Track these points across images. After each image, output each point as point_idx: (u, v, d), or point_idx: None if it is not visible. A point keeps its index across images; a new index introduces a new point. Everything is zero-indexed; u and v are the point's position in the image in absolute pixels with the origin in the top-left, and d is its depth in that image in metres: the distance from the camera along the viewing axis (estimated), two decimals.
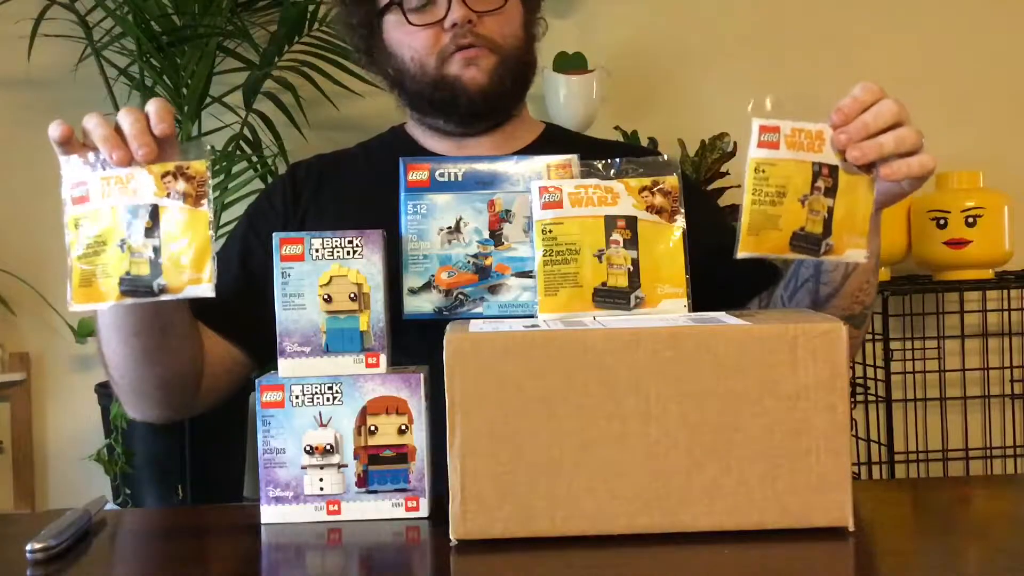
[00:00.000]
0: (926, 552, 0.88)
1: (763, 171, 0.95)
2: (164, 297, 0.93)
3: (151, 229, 0.93)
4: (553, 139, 1.36)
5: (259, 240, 1.26)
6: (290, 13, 2.26)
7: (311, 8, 2.28)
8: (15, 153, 2.43)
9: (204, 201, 0.93)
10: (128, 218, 0.93)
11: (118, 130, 0.96)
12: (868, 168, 0.97)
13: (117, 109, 2.33)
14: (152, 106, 0.97)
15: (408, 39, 1.27)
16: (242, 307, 1.18)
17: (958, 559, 0.85)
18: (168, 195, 0.93)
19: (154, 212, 0.93)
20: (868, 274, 1.12)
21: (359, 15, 1.32)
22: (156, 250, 0.92)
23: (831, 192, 0.96)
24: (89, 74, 2.26)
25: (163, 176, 0.93)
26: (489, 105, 1.27)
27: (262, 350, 1.21)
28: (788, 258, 0.98)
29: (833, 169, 0.96)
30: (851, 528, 0.83)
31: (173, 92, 2.23)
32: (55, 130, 0.98)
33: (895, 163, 0.97)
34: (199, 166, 0.93)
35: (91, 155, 0.95)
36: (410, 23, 1.26)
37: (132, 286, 0.93)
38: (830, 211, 0.96)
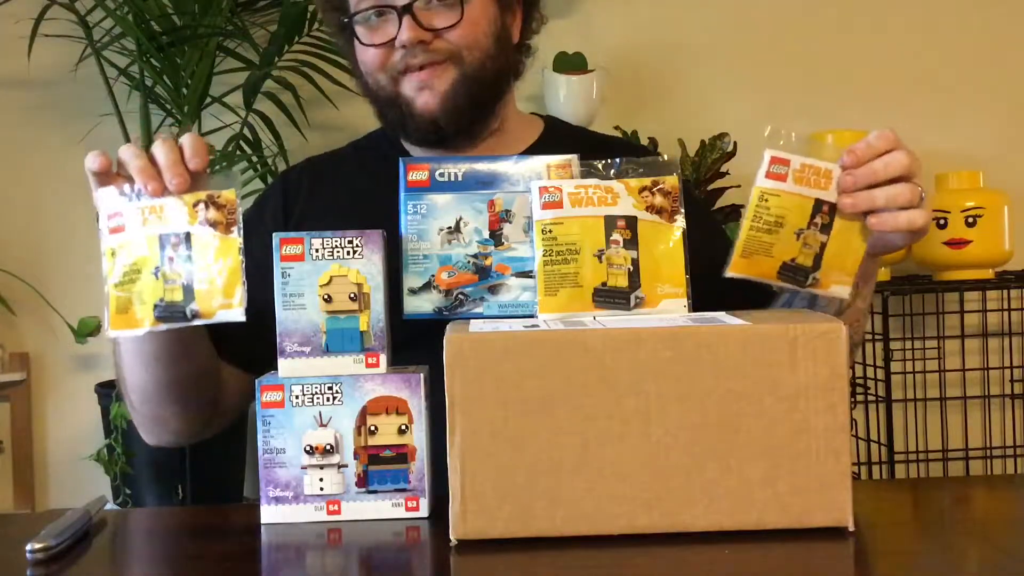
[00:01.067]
0: (926, 552, 0.88)
1: (766, 200, 0.99)
2: (196, 322, 0.96)
3: (184, 257, 0.96)
4: (555, 135, 1.33)
5: (251, 259, 1.23)
6: (290, 13, 2.26)
7: (311, 8, 2.28)
8: (15, 153, 2.43)
9: (234, 228, 0.96)
10: (161, 246, 0.96)
11: (152, 160, 0.98)
12: (863, 215, 1.00)
13: (117, 109, 2.35)
14: (187, 140, 0.99)
15: (363, 55, 1.24)
16: (238, 329, 1.16)
17: (958, 559, 0.85)
18: (199, 223, 0.96)
19: (187, 239, 0.96)
20: (858, 314, 1.14)
21: (334, 24, 1.30)
22: (189, 277, 0.96)
23: (827, 229, 1.00)
24: (89, 74, 2.26)
25: (195, 205, 0.96)
26: (447, 130, 1.23)
27: (263, 367, 1.19)
28: (774, 285, 1.01)
29: (833, 208, 1.00)
30: (851, 528, 0.83)
31: (173, 92, 2.23)
32: (93, 162, 1.01)
33: (884, 215, 0.99)
34: (229, 195, 0.96)
35: (126, 186, 0.99)
36: (360, 41, 1.22)
37: (167, 312, 0.96)
38: (823, 247, 1.00)
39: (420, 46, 1.20)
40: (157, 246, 0.96)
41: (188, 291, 0.96)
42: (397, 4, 1.19)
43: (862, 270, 1.04)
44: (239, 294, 0.95)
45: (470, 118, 1.24)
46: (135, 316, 0.97)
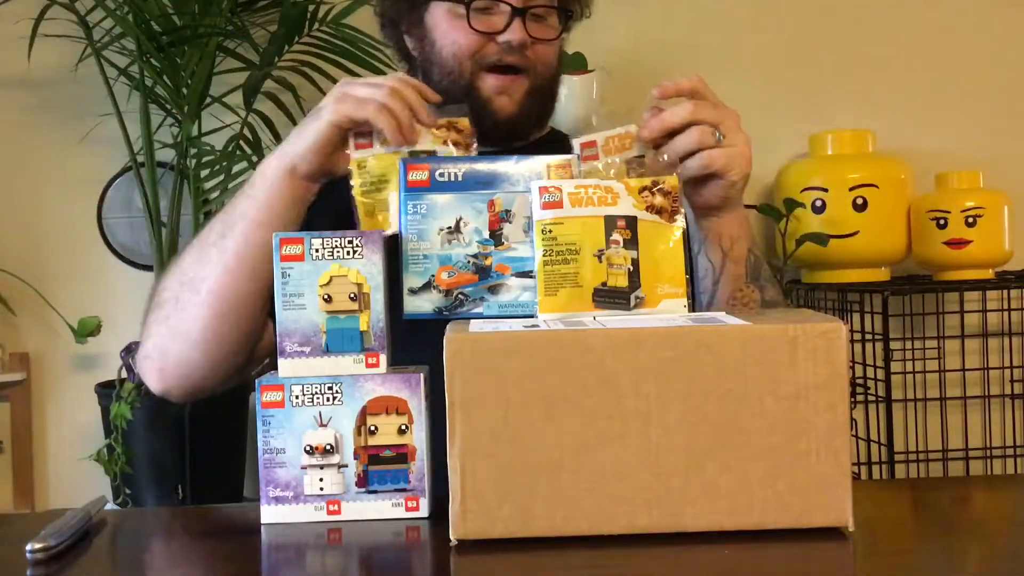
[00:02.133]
0: (926, 552, 0.88)
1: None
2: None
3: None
4: (555, 140, 1.36)
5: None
6: (290, 13, 2.26)
7: (311, 8, 2.28)
8: (15, 153, 2.43)
9: (473, 147, 1.11)
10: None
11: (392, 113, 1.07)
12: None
13: (117, 109, 2.34)
14: (414, 99, 1.09)
15: (456, 35, 1.27)
16: None
17: (958, 559, 0.85)
18: (444, 142, 1.10)
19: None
20: (739, 277, 1.17)
21: None
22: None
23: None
24: (89, 74, 2.26)
25: (438, 129, 1.10)
26: (511, 134, 1.29)
27: None
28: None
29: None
30: (851, 528, 0.83)
31: (173, 92, 2.23)
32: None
33: (684, 164, 1.06)
34: (464, 122, 1.11)
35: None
36: (470, 24, 1.25)
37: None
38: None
39: (520, 48, 1.26)
40: (398, 163, 1.05)
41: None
42: (515, 2, 1.24)
43: (708, 228, 1.07)
44: None
45: (531, 125, 1.32)
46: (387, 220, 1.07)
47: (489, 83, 1.27)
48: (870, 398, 2.30)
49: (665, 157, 1.06)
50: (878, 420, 2.29)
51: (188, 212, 2.26)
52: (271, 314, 1.17)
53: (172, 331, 1.18)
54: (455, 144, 1.09)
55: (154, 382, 1.21)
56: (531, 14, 1.27)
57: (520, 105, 1.28)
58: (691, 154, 1.07)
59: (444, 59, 1.28)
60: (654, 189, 0.99)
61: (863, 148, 2.39)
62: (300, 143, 1.11)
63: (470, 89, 1.27)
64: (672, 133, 1.07)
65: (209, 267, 1.16)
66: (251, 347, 1.20)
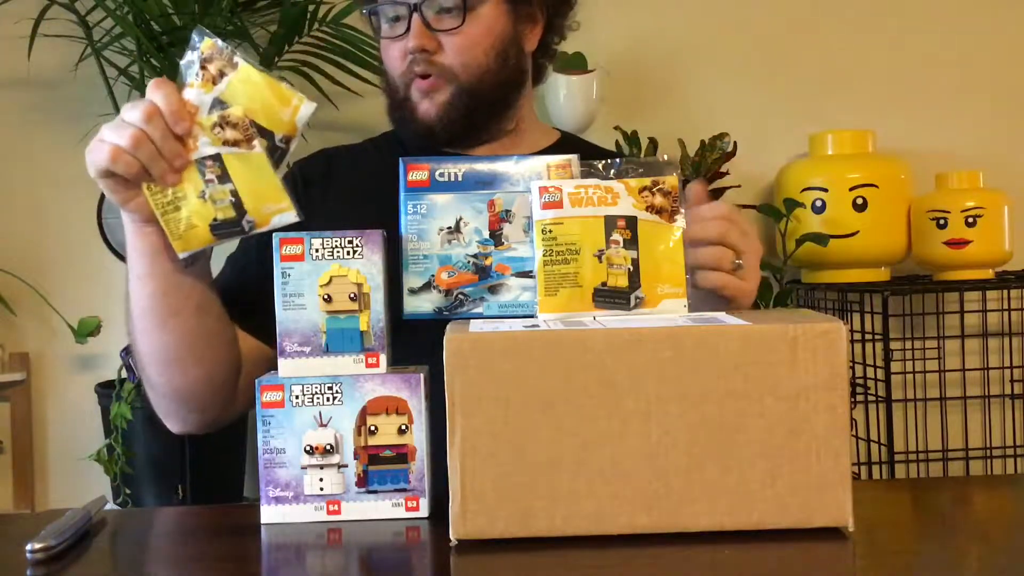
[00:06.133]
0: (926, 552, 0.88)
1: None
2: (256, 231, 1.00)
3: (222, 176, 0.99)
4: (569, 148, 1.34)
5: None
6: (290, 13, 2.26)
7: (311, 8, 2.28)
8: (15, 153, 2.43)
9: (255, 142, 0.99)
10: (200, 171, 1.00)
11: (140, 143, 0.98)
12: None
13: (117, 109, 2.32)
14: (165, 107, 0.98)
15: (385, 51, 1.29)
16: (261, 299, 1.16)
17: (958, 559, 0.85)
18: (223, 144, 0.99)
19: (218, 160, 0.99)
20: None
21: (363, 7, 1.32)
22: (234, 193, 0.99)
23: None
24: (89, 74, 2.26)
25: (212, 129, 0.99)
26: (440, 138, 1.27)
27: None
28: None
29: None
30: (851, 528, 0.83)
31: None
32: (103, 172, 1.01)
33: (698, 273, 1.04)
34: (236, 112, 0.99)
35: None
36: (382, 36, 1.26)
37: (224, 229, 1.00)
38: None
39: (423, 55, 1.24)
40: (195, 171, 0.99)
41: (238, 206, 0.99)
42: (410, 0, 1.22)
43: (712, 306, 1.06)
44: (288, 198, 0.99)
45: (465, 129, 1.28)
46: (197, 236, 1.00)
47: (414, 90, 1.26)
48: (870, 398, 2.30)
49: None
50: (878, 420, 2.29)
51: None
52: (261, 335, 1.18)
53: (147, 386, 1.18)
54: (235, 144, 0.99)
55: (170, 427, 1.21)
56: (439, 7, 1.23)
57: (443, 107, 1.25)
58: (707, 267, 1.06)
59: (387, 77, 1.29)
60: (654, 189, 0.99)
61: (863, 148, 2.39)
62: (109, 197, 1.06)
63: (404, 100, 1.27)
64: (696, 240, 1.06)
65: (133, 328, 1.14)
66: (224, 382, 1.17)
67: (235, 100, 0.99)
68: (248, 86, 0.99)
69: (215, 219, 1.00)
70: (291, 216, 0.99)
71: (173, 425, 1.21)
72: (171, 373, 1.14)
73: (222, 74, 0.99)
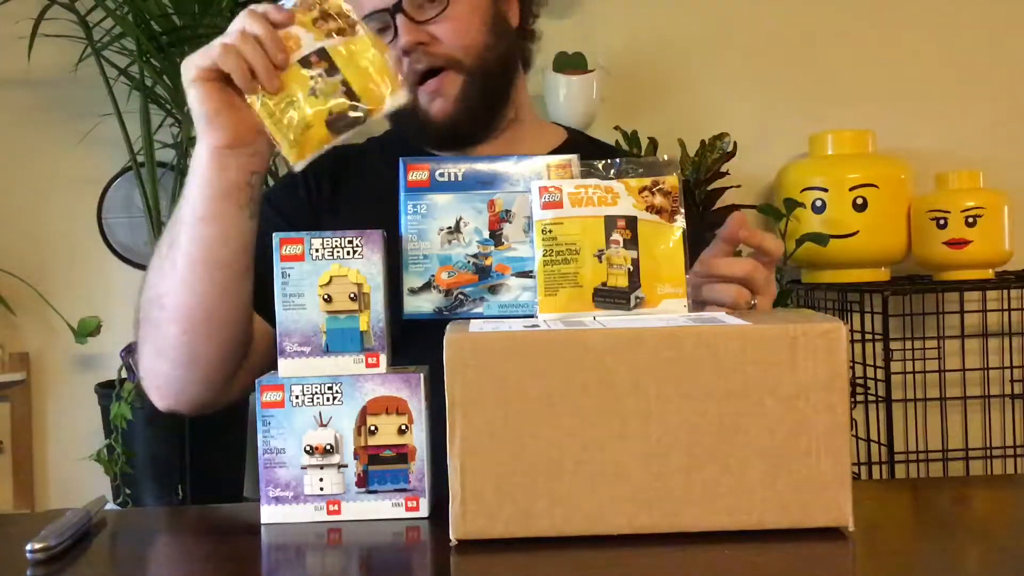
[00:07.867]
0: (926, 552, 0.88)
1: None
2: (372, 118, 0.99)
3: (330, 69, 0.99)
4: (576, 147, 1.30)
5: (283, 220, 1.23)
6: None
7: None
8: (15, 153, 2.43)
9: (357, 27, 1.00)
10: (305, 67, 0.99)
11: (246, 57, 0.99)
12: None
13: (117, 109, 2.34)
14: (268, 41, 0.99)
15: None
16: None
17: (958, 559, 0.85)
18: (325, 38, 0.99)
19: (322, 54, 0.99)
20: None
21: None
22: (344, 83, 0.99)
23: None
24: (89, 74, 2.26)
25: (314, 23, 0.99)
26: (466, 131, 1.26)
27: None
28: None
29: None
30: (851, 528, 0.83)
31: (173, 92, 2.23)
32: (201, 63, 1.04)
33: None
34: (336, 3, 1.00)
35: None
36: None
37: (341, 122, 0.99)
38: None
39: (420, 48, 1.22)
40: (300, 71, 0.98)
41: (351, 94, 0.98)
42: (381, 4, 1.21)
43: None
44: (397, 80, 0.99)
45: (486, 114, 1.27)
46: (314, 137, 0.98)
47: (421, 95, 1.24)
48: (870, 398, 2.30)
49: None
50: (878, 420, 2.29)
51: None
52: (269, 317, 1.15)
53: (154, 351, 1.13)
54: (339, 33, 0.99)
55: (156, 401, 1.16)
56: (419, 1, 1.22)
57: (459, 99, 1.24)
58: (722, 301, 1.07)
59: None
60: (654, 189, 0.99)
61: (863, 148, 2.39)
62: (196, 117, 1.05)
63: (412, 111, 1.23)
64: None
65: (167, 281, 1.09)
66: (237, 357, 1.14)
67: (339, 59, 0.99)
68: (358, 56, 0.99)
69: (330, 113, 0.98)
70: (402, 98, 1.00)
71: (165, 398, 1.15)
72: (197, 333, 1.08)
73: (340, 32, 0.99)
